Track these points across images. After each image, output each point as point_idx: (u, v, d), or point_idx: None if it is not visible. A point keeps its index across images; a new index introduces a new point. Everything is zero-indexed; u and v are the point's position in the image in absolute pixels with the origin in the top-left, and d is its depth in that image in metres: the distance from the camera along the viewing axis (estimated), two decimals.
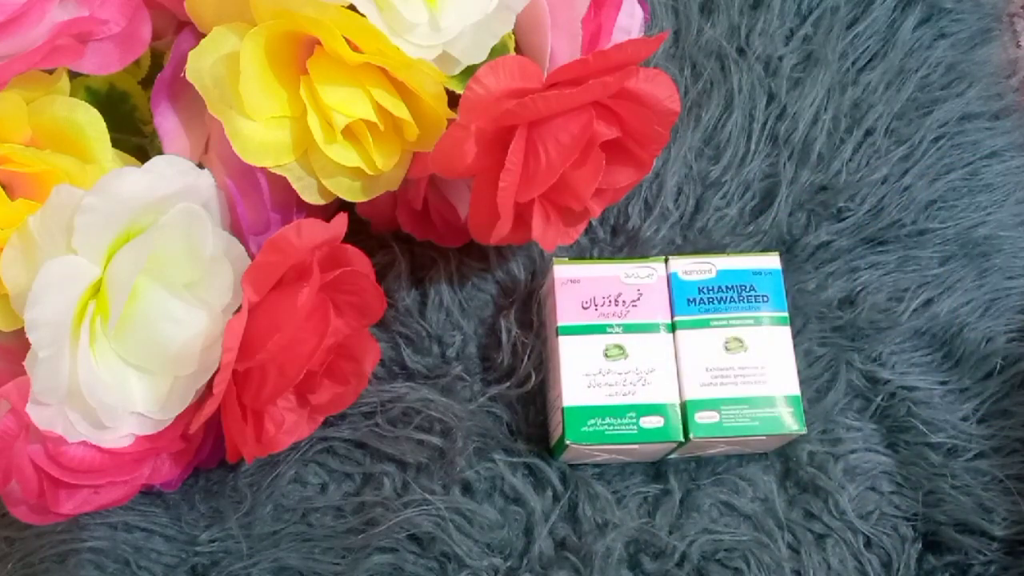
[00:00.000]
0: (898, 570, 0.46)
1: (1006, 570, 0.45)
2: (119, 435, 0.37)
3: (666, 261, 0.45)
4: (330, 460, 0.47)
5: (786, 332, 0.44)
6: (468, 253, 0.50)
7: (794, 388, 0.43)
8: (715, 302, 0.45)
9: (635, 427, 0.43)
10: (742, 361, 0.44)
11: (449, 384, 0.48)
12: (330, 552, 0.45)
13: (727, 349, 0.44)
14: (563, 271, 0.45)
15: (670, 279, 0.45)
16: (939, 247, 0.51)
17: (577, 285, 0.45)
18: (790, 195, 0.52)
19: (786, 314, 0.45)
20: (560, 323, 0.44)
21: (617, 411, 0.43)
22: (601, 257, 0.51)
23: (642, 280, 0.45)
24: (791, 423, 0.43)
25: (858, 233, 0.52)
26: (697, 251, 0.51)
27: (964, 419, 0.48)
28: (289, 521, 0.46)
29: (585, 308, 0.44)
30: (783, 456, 0.48)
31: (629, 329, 0.44)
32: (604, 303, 0.44)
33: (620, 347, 0.44)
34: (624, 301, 0.44)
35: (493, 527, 0.46)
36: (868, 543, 0.46)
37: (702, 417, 0.43)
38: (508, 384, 0.48)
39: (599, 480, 0.47)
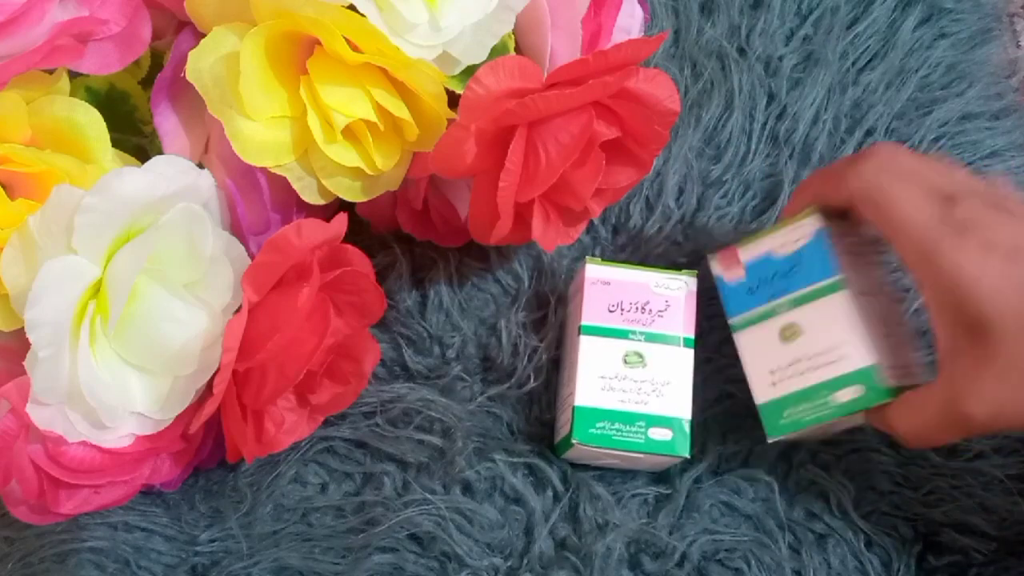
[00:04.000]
0: (898, 570, 0.45)
1: (1006, 570, 0.45)
2: (119, 435, 0.37)
3: (709, 255, 0.44)
4: (330, 460, 0.47)
5: (843, 298, 0.40)
6: (468, 253, 0.50)
7: (869, 358, 0.39)
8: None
9: (643, 437, 0.42)
10: (803, 348, 0.41)
11: (449, 384, 0.48)
12: (330, 552, 0.45)
13: (783, 339, 0.41)
14: (595, 271, 0.45)
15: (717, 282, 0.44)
16: None
17: (607, 287, 0.44)
18: (791, 195, 0.52)
19: (837, 279, 0.40)
20: (584, 322, 0.44)
21: (628, 418, 0.42)
22: (631, 262, 0.50)
23: (671, 292, 0.44)
24: (870, 396, 0.39)
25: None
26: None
27: None
28: (289, 521, 0.46)
29: (611, 311, 0.44)
30: (784, 456, 0.48)
31: (652, 339, 0.44)
32: (631, 309, 0.44)
33: (640, 355, 0.43)
34: (651, 310, 0.44)
35: (493, 527, 0.46)
36: (869, 543, 0.46)
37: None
38: (508, 385, 0.48)
39: (599, 481, 0.47)
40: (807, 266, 0.41)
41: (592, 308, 0.44)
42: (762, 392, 0.42)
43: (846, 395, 0.39)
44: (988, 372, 0.34)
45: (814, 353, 0.40)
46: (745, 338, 0.42)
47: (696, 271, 0.45)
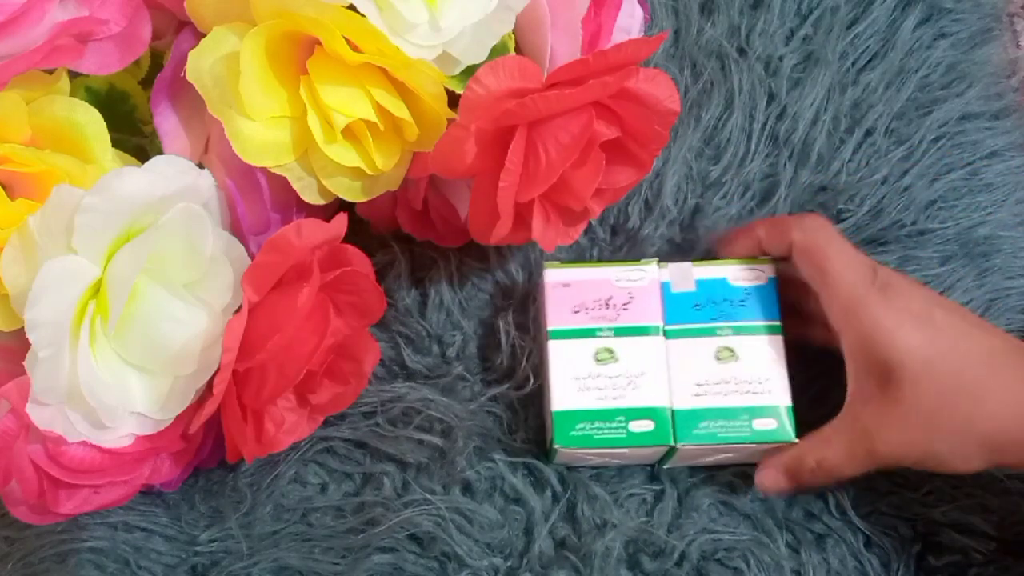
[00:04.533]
0: (897, 570, 0.46)
1: (1006, 571, 0.45)
2: (119, 435, 0.37)
3: (658, 264, 0.45)
4: (330, 460, 0.47)
5: (778, 341, 0.44)
6: (468, 253, 0.50)
7: (785, 399, 0.43)
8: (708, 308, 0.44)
9: (624, 431, 0.42)
10: (734, 371, 0.43)
11: (449, 384, 0.48)
12: (330, 552, 0.45)
13: (718, 359, 0.44)
14: (553, 275, 0.45)
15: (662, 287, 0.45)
16: (939, 247, 0.51)
17: (568, 289, 0.44)
18: (790, 195, 0.52)
19: (777, 323, 0.44)
20: (550, 327, 0.44)
21: (606, 415, 0.42)
22: (593, 260, 0.51)
23: (633, 283, 0.44)
24: (783, 432, 0.42)
25: (858, 234, 0.52)
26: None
27: None
28: (289, 521, 0.46)
29: (576, 312, 0.44)
30: None
31: (620, 332, 0.44)
32: (595, 307, 0.44)
33: (610, 351, 0.43)
34: (615, 304, 0.44)
35: (493, 527, 0.46)
36: (868, 543, 0.46)
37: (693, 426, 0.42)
38: (507, 385, 0.48)
39: (596, 481, 0.47)
40: (756, 303, 0.44)
41: (556, 312, 0.44)
42: (683, 400, 0.43)
43: (764, 424, 0.42)
44: (893, 415, 0.39)
45: (744, 379, 0.43)
46: (679, 346, 0.44)
47: (656, 259, 0.45)
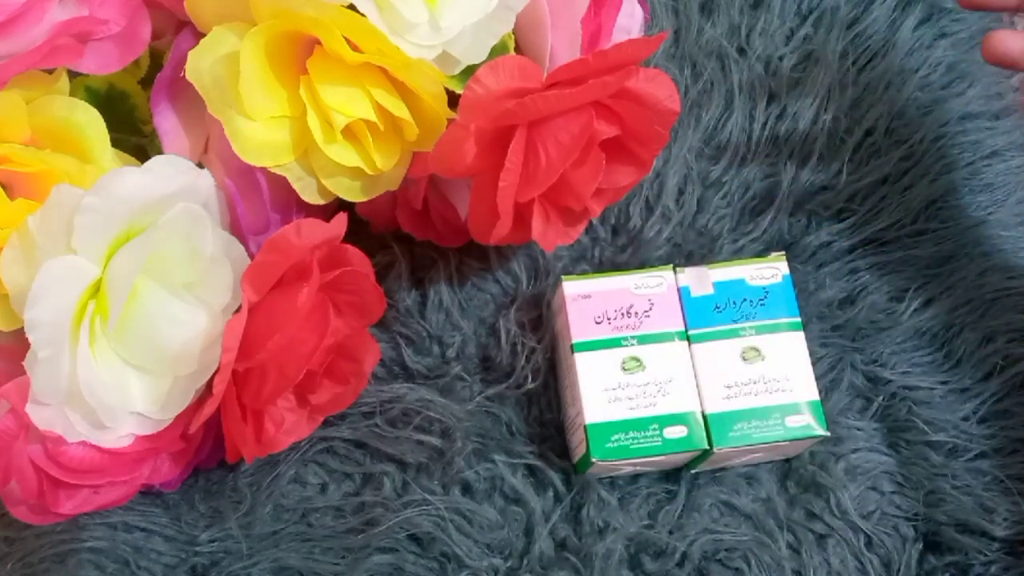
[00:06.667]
0: (899, 570, 0.45)
1: (1007, 570, 0.45)
2: (119, 435, 0.37)
3: (674, 270, 0.45)
4: (330, 460, 0.47)
5: (800, 337, 0.44)
6: (468, 253, 0.50)
7: (813, 394, 0.43)
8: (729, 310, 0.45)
9: (659, 439, 0.42)
10: (761, 370, 0.43)
11: (449, 384, 0.48)
12: (330, 552, 0.45)
13: (744, 359, 0.44)
14: (573, 287, 0.44)
15: (681, 293, 0.45)
16: (939, 247, 0.51)
17: (588, 300, 0.44)
18: (790, 195, 0.52)
19: (798, 319, 0.44)
20: (575, 340, 0.44)
21: (640, 424, 0.42)
22: (595, 260, 0.51)
23: (652, 290, 0.44)
24: (816, 427, 0.43)
25: (858, 233, 0.52)
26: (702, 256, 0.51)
27: (965, 419, 0.48)
28: (289, 521, 0.46)
29: (598, 323, 0.44)
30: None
31: (644, 340, 0.44)
32: (617, 316, 0.44)
33: (637, 359, 0.43)
34: (636, 312, 0.44)
35: (493, 527, 0.46)
36: (869, 543, 0.46)
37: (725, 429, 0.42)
38: (507, 384, 0.48)
39: (599, 482, 0.47)
40: (775, 301, 0.45)
41: (579, 324, 0.44)
42: (713, 403, 0.43)
43: (796, 421, 0.43)
44: None
45: (772, 378, 0.43)
46: (704, 350, 0.44)
47: (671, 265, 0.45)
